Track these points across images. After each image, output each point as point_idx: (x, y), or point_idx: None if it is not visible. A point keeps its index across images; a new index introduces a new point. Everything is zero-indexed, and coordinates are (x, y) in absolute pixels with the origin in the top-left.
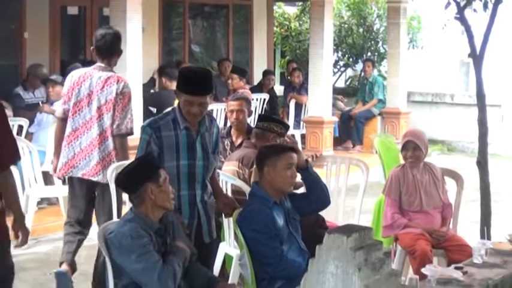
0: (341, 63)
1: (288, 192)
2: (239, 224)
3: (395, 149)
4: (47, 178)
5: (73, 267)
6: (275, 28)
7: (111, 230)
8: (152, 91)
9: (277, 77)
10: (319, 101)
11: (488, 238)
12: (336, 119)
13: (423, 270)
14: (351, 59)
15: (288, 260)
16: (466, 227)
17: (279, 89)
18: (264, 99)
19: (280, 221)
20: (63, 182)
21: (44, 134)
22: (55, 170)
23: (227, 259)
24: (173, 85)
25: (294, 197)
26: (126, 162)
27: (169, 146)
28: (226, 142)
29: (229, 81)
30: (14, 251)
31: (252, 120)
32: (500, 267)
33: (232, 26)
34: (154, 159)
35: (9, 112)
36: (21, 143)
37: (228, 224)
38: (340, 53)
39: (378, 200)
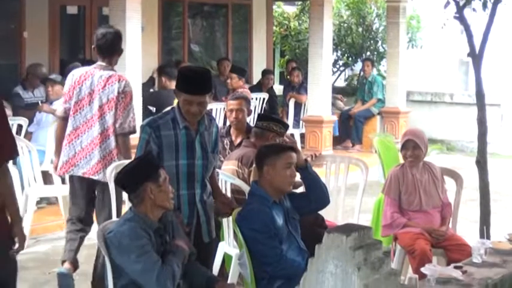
0: (340, 62)
1: (287, 191)
2: (238, 223)
3: (395, 148)
4: (46, 177)
5: (75, 265)
6: (274, 27)
7: (111, 230)
8: (151, 90)
9: (276, 77)
10: (319, 101)
11: (488, 237)
12: (335, 118)
13: (422, 269)
14: (350, 59)
15: (287, 260)
16: (465, 227)
17: (278, 89)
18: (264, 99)
19: (280, 221)
20: (63, 181)
21: (44, 134)
22: (56, 169)
23: (226, 258)
24: (173, 84)
25: (294, 197)
26: (126, 162)
27: (168, 146)
28: (225, 141)
29: (229, 80)
30: None
31: (251, 120)
32: (499, 267)
33: (232, 25)
34: (154, 158)
35: (8, 111)
36: (21, 142)
37: (228, 224)
38: (339, 53)
39: (377, 200)
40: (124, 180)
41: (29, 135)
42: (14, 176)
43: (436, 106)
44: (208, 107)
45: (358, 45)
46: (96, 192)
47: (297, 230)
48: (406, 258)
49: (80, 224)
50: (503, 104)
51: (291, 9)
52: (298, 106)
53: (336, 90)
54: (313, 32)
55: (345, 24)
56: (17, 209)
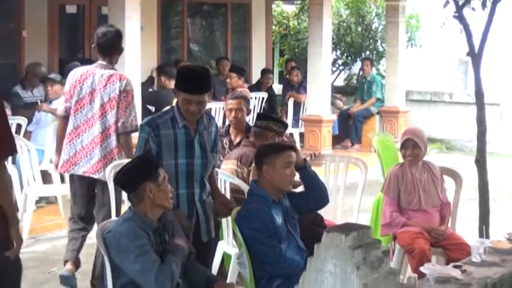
0: (340, 61)
1: (287, 190)
2: (238, 222)
3: (394, 147)
4: (46, 177)
5: (77, 264)
6: (274, 27)
7: (110, 229)
8: (151, 90)
9: (275, 76)
10: (318, 100)
11: (487, 237)
12: (334, 117)
13: (422, 268)
14: (349, 58)
15: (286, 259)
16: (464, 226)
17: (277, 88)
18: (263, 98)
19: (279, 220)
20: (62, 180)
21: (43, 133)
22: (56, 167)
23: (226, 258)
24: (172, 84)
25: (293, 196)
26: (125, 161)
27: (167, 145)
28: (224, 141)
29: (228, 80)
30: None
31: (250, 119)
32: (498, 266)
33: (231, 24)
34: (154, 158)
35: (8, 111)
36: (20, 141)
37: (227, 223)
38: (338, 52)
39: (377, 199)
40: (123, 179)
41: (28, 135)
42: (13, 176)
43: (436, 105)
44: (208, 106)
45: (358, 45)
46: (95, 191)
47: (296, 229)
48: (405, 257)
49: (82, 222)
50: (503, 103)
51: (290, 9)
52: (297, 105)
53: (335, 90)
54: (313, 31)
55: (344, 24)
56: (13, 209)
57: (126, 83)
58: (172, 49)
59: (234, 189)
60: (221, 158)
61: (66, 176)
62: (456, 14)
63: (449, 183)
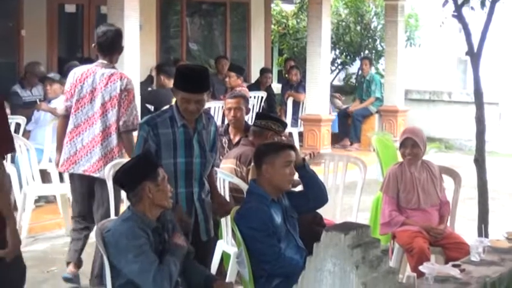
0: (338, 61)
1: (286, 189)
2: (237, 221)
3: (393, 146)
4: (45, 176)
5: (79, 265)
6: (273, 26)
7: (109, 228)
8: (150, 89)
9: (274, 75)
10: (317, 99)
11: (486, 236)
12: (333, 117)
13: (421, 267)
14: (348, 57)
15: (285, 258)
16: (463, 225)
17: (276, 87)
18: (262, 97)
19: (278, 219)
20: (61, 179)
21: (42, 132)
22: (57, 165)
23: (225, 257)
24: (171, 83)
25: (292, 195)
26: (125, 160)
27: (166, 144)
28: (224, 140)
29: (227, 79)
30: None
31: (249, 118)
32: (497, 265)
33: (230, 24)
34: (153, 157)
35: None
36: (19, 141)
37: (226, 222)
38: (337, 51)
39: (376, 198)
40: (122, 179)
41: (27, 134)
42: (12, 175)
43: (435, 105)
44: (207, 105)
45: (357, 44)
46: (95, 189)
47: (295, 229)
48: (404, 256)
49: (84, 221)
50: (502, 102)
51: (289, 8)
52: (296, 105)
53: (334, 89)
54: (312, 30)
55: (343, 23)
56: (10, 209)
57: (127, 82)
58: (172, 48)
59: (233, 189)
60: (220, 157)
61: (65, 175)
62: (455, 13)
63: (448, 182)
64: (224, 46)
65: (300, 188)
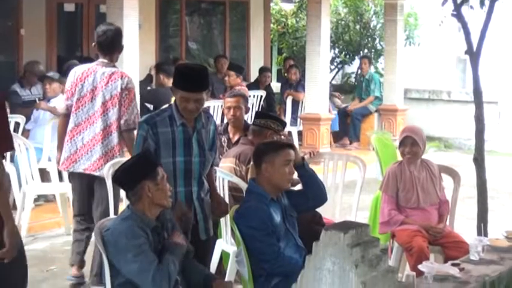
0: (338, 60)
1: (286, 188)
2: (236, 221)
3: (392, 145)
4: (44, 175)
5: (82, 265)
6: (272, 25)
7: (108, 227)
8: (149, 88)
9: (274, 74)
10: (316, 98)
11: (485, 235)
12: (333, 116)
13: (420, 266)
14: (347, 56)
15: (284, 257)
16: (462, 224)
17: (275, 86)
18: (261, 96)
19: (277, 218)
20: (60, 179)
21: (41, 131)
22: (58, 163)
23: (224, 256)
24: (170, 82)
25: (291, 194)
26: (124, 159)
27: (165, 142)
28: (223, 139)
29: (226, 78)
30: None
31: (249, 117)
32: (497, 264)
33: (229, 23)
34: (152, 156)
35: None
36: (18, 140)
37: (225, 221)
38: (337, 50)
39: (375, 197)
40: (122, 178)
41: (26, 133)
42: (11, 174)
43: (434, 104)
44: (206, 104)
45: (356, 43)
46: (95, 188)
47: (294, 228)
48: (404, 255)
49: (85, 222)
50: (501, 101)
51: (288, 7)
52: (295, 104)
53: (333, 88)
54: (311, 29)
55: (343, 22)
56: (8, 209)
57: (128, 81)
58: (171, 47)
59: (233, 188)
60: (220, 156)
61: (65, 174)
62: (454, 12)
63: (447, 181)
64: (223, 45)
65: (299, 187)
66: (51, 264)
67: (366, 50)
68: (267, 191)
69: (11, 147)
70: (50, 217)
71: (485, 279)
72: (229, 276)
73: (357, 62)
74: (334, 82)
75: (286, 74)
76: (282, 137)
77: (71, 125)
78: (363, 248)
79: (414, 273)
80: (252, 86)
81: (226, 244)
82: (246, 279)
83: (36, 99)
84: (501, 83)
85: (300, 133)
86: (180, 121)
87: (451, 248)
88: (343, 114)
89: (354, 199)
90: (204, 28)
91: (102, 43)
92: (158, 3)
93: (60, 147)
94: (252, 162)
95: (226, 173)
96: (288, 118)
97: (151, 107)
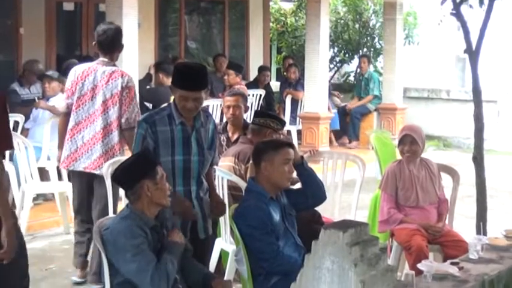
0: (337, 59)
1: (285, 187)
2: (235, 219)
3: (392, 144)
4: (43, 174)
5: (85, 267)
6: (271, 24)
7: (107, 226)
8: (148, 87)
9: (273, 73)
10: (315, 97)
11: (484, 234)
12: (332, 114)
13: (419, 265)
14: (347, 55)
15: (284, 256)
16: (462, 223)
17: (275, 85)
18: (260, 95)
19: (277, 217)
20: (59, 178)
21: (40, 130)
22: (59, 161)
23: (223, 255)
24: (169, 81)
25: (290, 193)
26: (123, 158)
27: (164, 141)
28: (222, 138)
29: (226, 77)
30: None
31: (248, 116)
32: (496, 263)
33: (228, 21)
34: (152, 155)
35: None
36: (17, 138)
37: (224, 220)
38: (336, 49)
39: (374, 196)
40: (121, 177)
41: (25, 132)
42: (10, 173)
43: (433, 102)
44: (205, 103)
45: (355, 42)
46: (94, 186)
47: (293, 226)
48: (403, 254)
49: (86, 223)
50: (500, 100)
51: (287, 6)
52: (295, 103)
53: (332, 87)
54: (310, 28)
55: (342, 21)
56: (7, 209)
57: (128, 80)
58: (170, 46)
59: (232, 186)
60: (219, 155)
61: (64, 173)
62: (454, 11)
63: (446, 180)
64: (222, 44)
65: (298, 185)
66: (50, 263)
67: (365, 49)
68: (266, 189)
69: (10, 146)
70: (49, 216)
71: (484, 278)
72: (229, 275)
73: (356, 61)
74: (333, 81)
75: (285, 73)
76: (281, 135)
77: (71, 123)
78: (362, 247)
79: (413, 272)
80: (251, 85)
81: (225, 243)
82: (245, 278)
83: (36, 98)
84: (500, 82)
85: (299, 132)
86: (179, 120)
87: (450, 246)
88: (342, 113)
89: (353, 198)
90: (203, 27)
91: (102, 42)
92: (157, 2)
93: (60, 145)
94: (251, 161)
95: (225, 172)
96: (287, 117)
97: (150, 106)
